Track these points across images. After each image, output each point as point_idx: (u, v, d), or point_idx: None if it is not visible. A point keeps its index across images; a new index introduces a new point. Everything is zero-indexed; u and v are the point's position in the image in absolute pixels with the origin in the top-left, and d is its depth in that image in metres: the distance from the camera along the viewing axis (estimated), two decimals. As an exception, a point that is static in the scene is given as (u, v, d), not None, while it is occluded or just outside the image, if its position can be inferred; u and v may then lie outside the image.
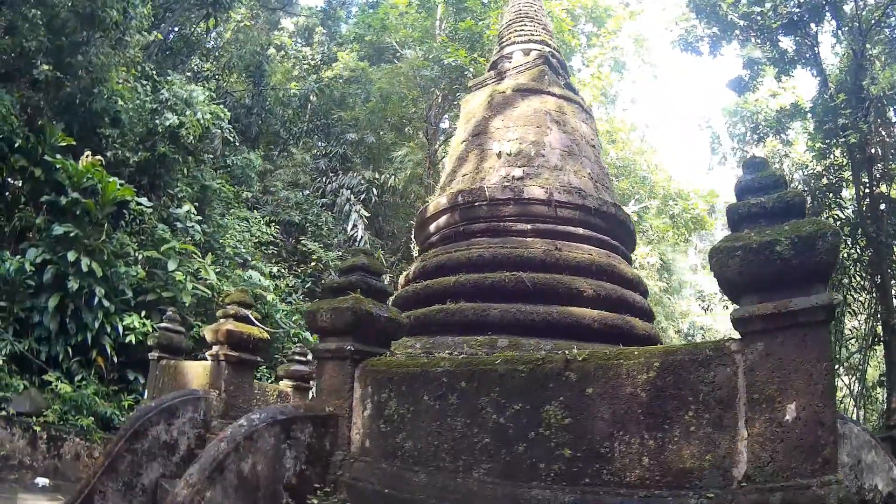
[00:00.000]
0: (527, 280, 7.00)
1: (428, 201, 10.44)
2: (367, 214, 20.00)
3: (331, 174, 21.02)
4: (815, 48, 13.97)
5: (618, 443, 3.01)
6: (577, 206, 7.93)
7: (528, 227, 7.68)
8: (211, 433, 6.27)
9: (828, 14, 13.63)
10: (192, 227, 12.81)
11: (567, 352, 3.47)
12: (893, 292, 13.00)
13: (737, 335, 2.98)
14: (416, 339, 7.05)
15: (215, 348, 6.82)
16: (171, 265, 11.77)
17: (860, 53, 12.69)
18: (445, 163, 9.90)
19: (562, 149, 8.56)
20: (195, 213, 12.99)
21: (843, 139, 12.72)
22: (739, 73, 16.13)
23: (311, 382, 10.66)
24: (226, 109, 14.33)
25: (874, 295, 13.77)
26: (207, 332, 6.94)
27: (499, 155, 8.45)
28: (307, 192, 19.15)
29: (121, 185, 11.23)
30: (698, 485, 2.77)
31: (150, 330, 11.35)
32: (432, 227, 8.48)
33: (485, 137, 8.78)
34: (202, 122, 12.88)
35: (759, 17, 13.65)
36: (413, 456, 3.79)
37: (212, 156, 15.22)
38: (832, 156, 14.47)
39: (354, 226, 19.73)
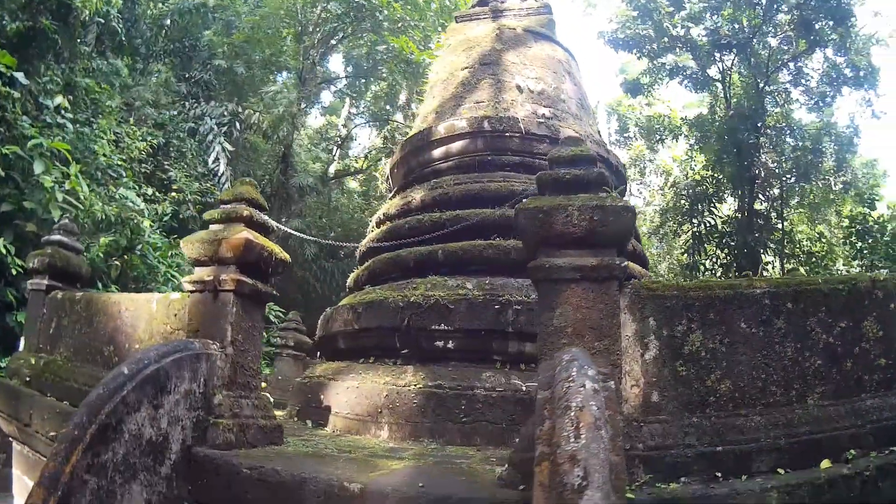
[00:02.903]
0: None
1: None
2: (230, 149, 17.77)
3: (191, 100, 18.27)
4: (728, 73, 15.33)
5: (916, 347, 3.22)
6: (603, 159, 7.51)
7: (563, 170, 7.06)
8: (217, 417, 3.93)
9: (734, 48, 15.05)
10: (64, 125, 9.83)
11: (871, 274, 3.83)
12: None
13: None
14: (454, 277, 6.02)
15: (207, 271, 4.35)
16: (38, 168, 8.92)
17: (765, 85, 14.19)
18: (430, 88, 8.82)
19: (576, 99, 8.15)
20: (68, 108, 10.03)
21: (732, 155, 14.09)
22: (638, 77, 17.10)
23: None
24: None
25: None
26: (191, 244, 4.42)
27: (520, 89, 7.70)
28: (173, 112, 16.20)
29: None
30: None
31: (4, 251, 8.47)
32: (439, 152, 7.43)
33: (498, 69, 7.97)
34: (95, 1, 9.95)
35: (688, 34, 14.56)
36: (734, 398, 3.04)
37: (88, 48, 11.96)
38: (714, 169, 16.03)
39: (217, 159, 17.44)
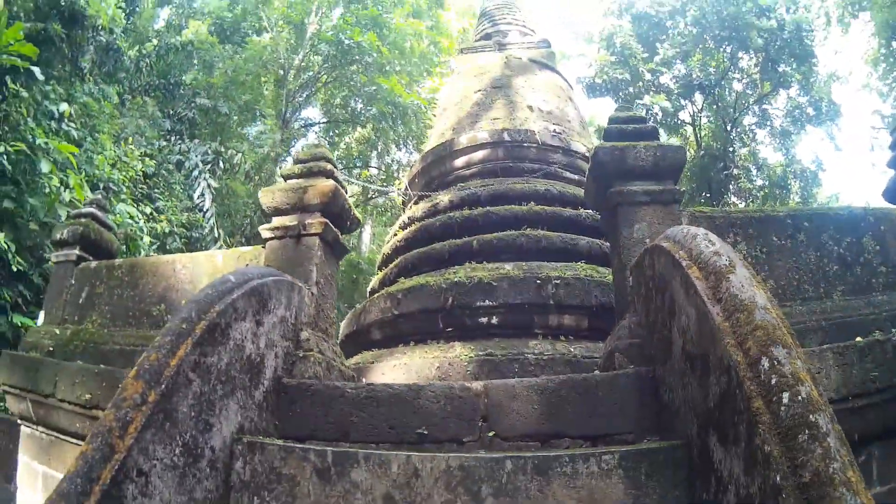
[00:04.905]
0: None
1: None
2: (216, 186, 18.09)
3: (176, 136, 18.60)
4: (698, 116, 16.83)
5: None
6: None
7: (575, 177, 7.82)
8: (306, 351, 3.97)
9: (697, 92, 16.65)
10: (69, 132, 10.05)
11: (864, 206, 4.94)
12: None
13: None
14: (491, 263, 6.54)
15: (289, 218, 4.55)
16: (45, 167, 9.10)
17: (732, 127, 15.66)
18: (443, 110, 9.57)
19: (578, 121, 8.98)
20: (72, 117, 10.27)
21: (704, 196, 15.32)
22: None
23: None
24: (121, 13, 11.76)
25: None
26: (272, 193, 4.61)
27: (531, 108, 8.49)
28: (162, 143, 16.45)
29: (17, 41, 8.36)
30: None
31: (6, 247, 8.54)
32: (461, 161, 8.11)
33: (510, 91, 8.80)
34: (107, 9, 10.38)
35: (659, 79, 15.97)
36: (778, 294, 3.90)
37: (87, 65, 12.22)
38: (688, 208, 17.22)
39: (202, 195, 17.67)
